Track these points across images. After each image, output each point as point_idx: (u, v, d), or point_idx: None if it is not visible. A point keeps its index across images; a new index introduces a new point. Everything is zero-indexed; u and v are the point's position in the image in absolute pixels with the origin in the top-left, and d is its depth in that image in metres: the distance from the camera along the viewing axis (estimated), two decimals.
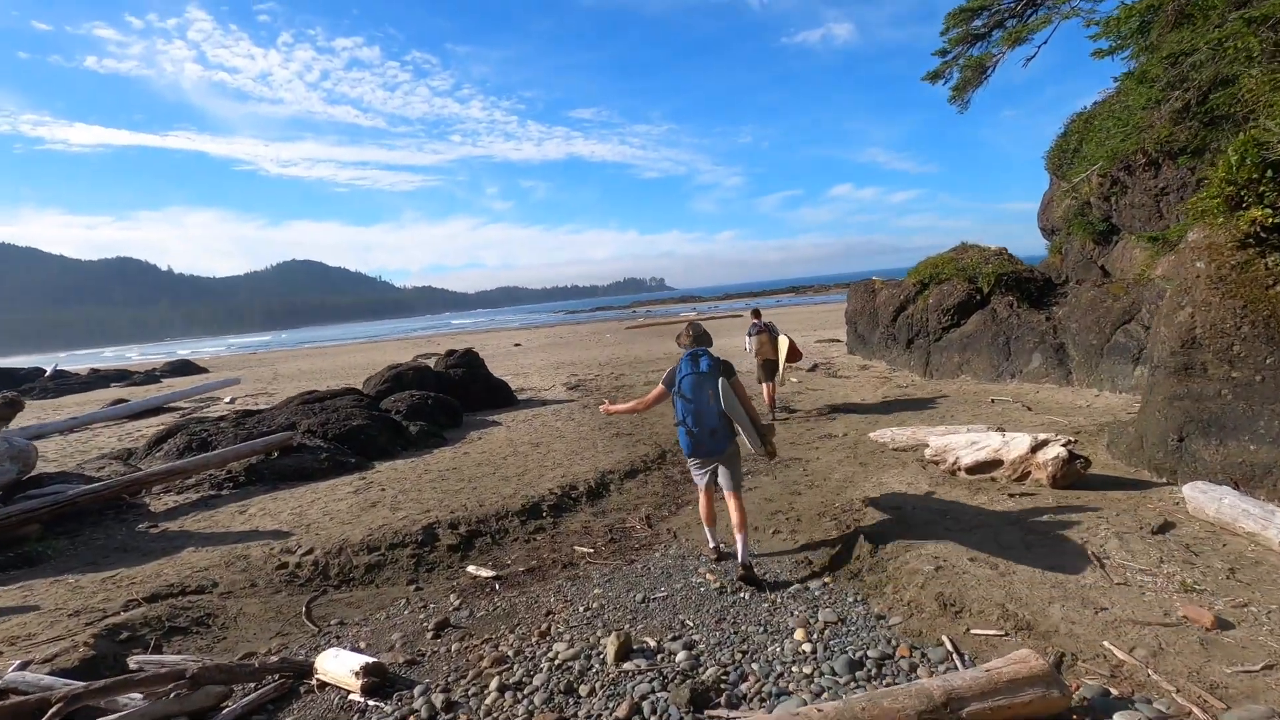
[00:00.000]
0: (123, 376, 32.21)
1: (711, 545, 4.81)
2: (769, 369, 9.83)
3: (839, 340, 19.77)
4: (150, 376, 31.42)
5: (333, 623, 4.25)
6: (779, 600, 3.99)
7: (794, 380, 13.07)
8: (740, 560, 4.30)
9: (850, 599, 3.90)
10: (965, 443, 5.82)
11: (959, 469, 5.72)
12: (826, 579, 4.23)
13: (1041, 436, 5.21)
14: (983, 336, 11.48)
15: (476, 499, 6.25)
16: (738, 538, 4.35)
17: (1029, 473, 5.25)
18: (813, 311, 38.60)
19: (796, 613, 3.77)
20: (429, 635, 3.98)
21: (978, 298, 12.10)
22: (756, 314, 10.98)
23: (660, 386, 4.62)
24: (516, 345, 32.73)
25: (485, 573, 4.89)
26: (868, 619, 3.61)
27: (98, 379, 31.52)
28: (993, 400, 9.25)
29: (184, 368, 35.13)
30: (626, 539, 5.46)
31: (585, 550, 5.25)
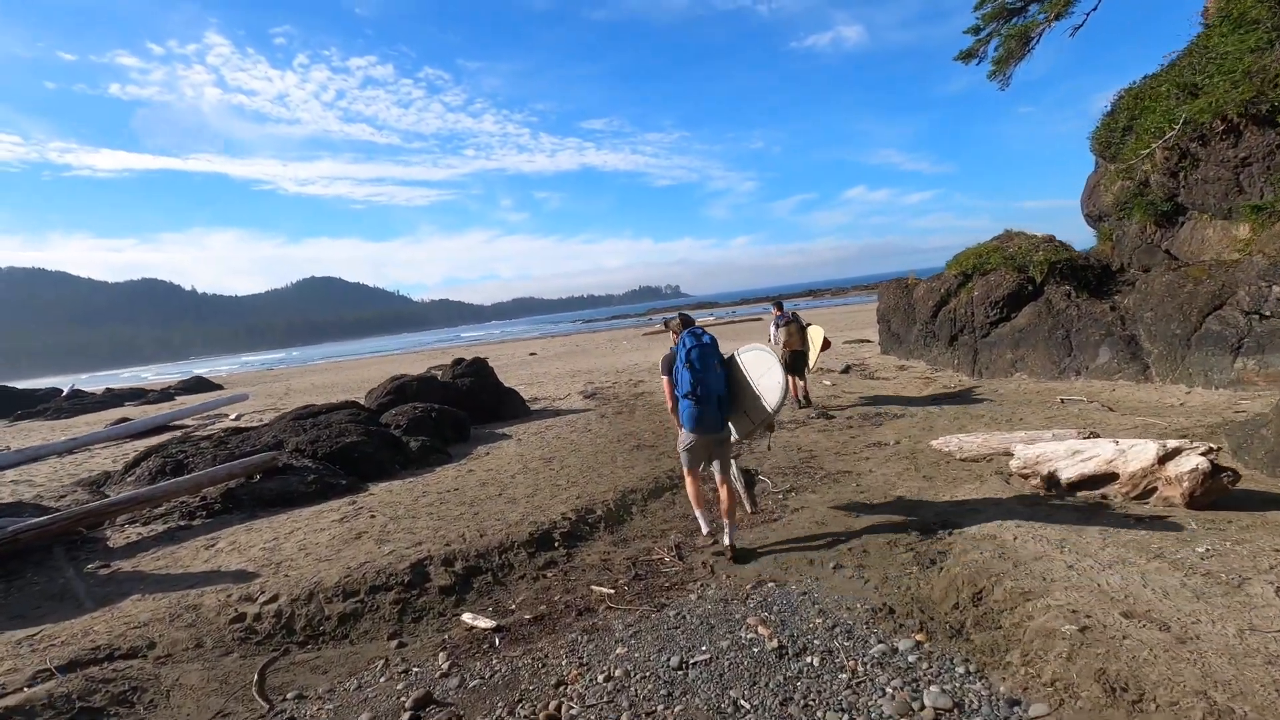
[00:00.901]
0: (137, 395, 31.99)
1: (706, 531, 4.94)
2: (796, 361, 9.47)
3: (869, 340, 18.71)
4: (164, 395, 31.15)
5: (289, 695, 3.36)
6: (860, 669, 3.03)
7: (827, 383, 12.07)
8: (728, 543, 4.55)
9: (960, 669, 2.92)
10: (1064, 452, 4.81)
11: (1059, 484, 4.72)
12: (918, 636, 3.26)
13: (1171, 444, 4.21)
14: (1038, 330, 10.40)
15: (478, 527, 5.36)
16: (726, 523, 4.62)
17: (1154, 489, 4.25)
18: (834, 313, 37.45)
19: (891, 690, 2.81)
20: (406, 716, 3.09)
21: (1029, 288, 11.03)
22: (779, 305, 10.62)
23: (665, 377, 4.78)
24: (531, 354, 31.99)
25: (483, 623, 3.98)
26: (996, 705, 2.62)
27: (112, 398, 31.30)
28: (1063, 400, 8.19)
29: (198, 385, 34.86)
30: (654, 575, 4.53)
31: (604, 590, 4.33)
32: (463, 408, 11.08)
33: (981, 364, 11.13)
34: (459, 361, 12.30)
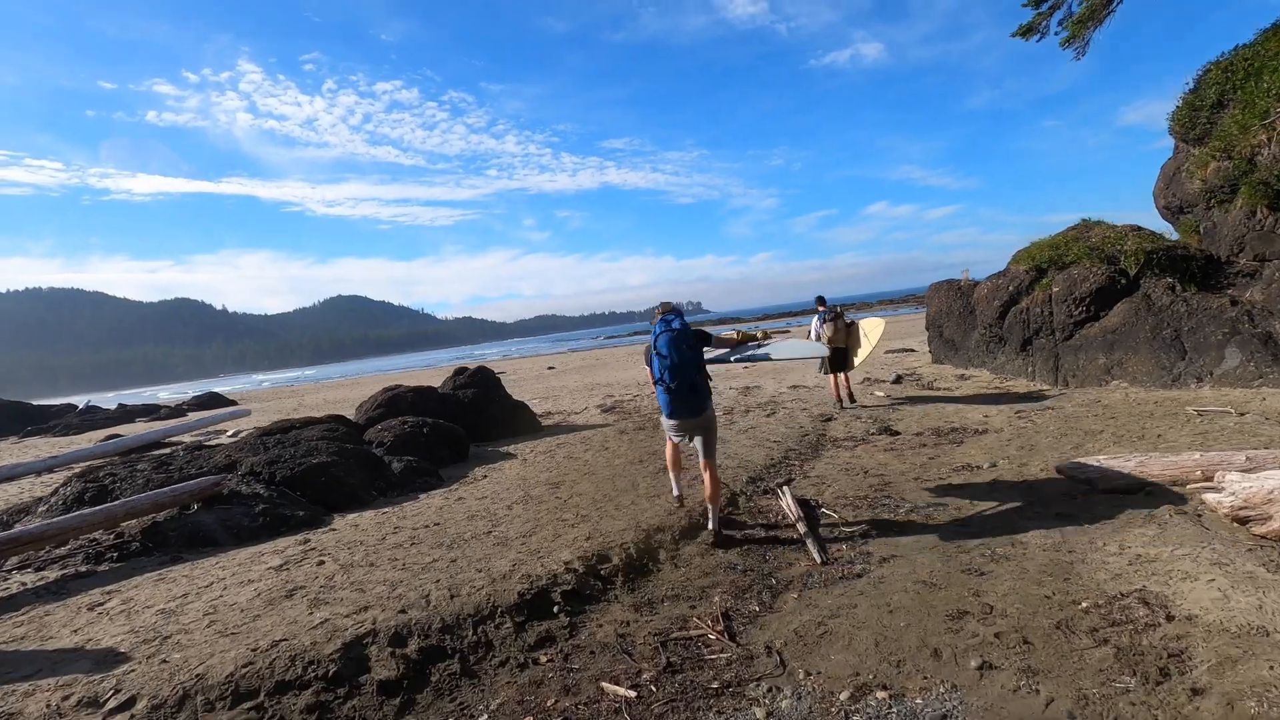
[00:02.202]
0: (149, 411, 31.44)
1: (676, 494, 5.07)
2: (838, 357, 9.38)
3: (912, 350, 17.09)
4: (176, 410, 30.53)
5: None
6: None
7: (879, 394, 10.51)
8: (711, 528, 4.55)
9: None
10: None
11: None
12: None
13: None
14: (1137, 330, 8.77)
15: (451, 582, 3.94)
16: (710, 508, 4.59)
17: None
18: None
19: None
20: None
21: (1122, 282, 9.41)
22: (822, 301, 9.96)
23: (646, 368, 4.73)
24: (550, 368, 30.75)
25: None
26: None
27: (124, 414, 30.76)
28: (1199, 413, 6.55)
29: (211, 401, 34.25)
30: (694, 665, 3.07)
31: (621, 693, 2.88)
32: (464, 422, 9.75)
33: (1066, 371, 9.50)
34: (461, 371, 11.00)
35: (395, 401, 9.52)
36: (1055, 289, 9.95)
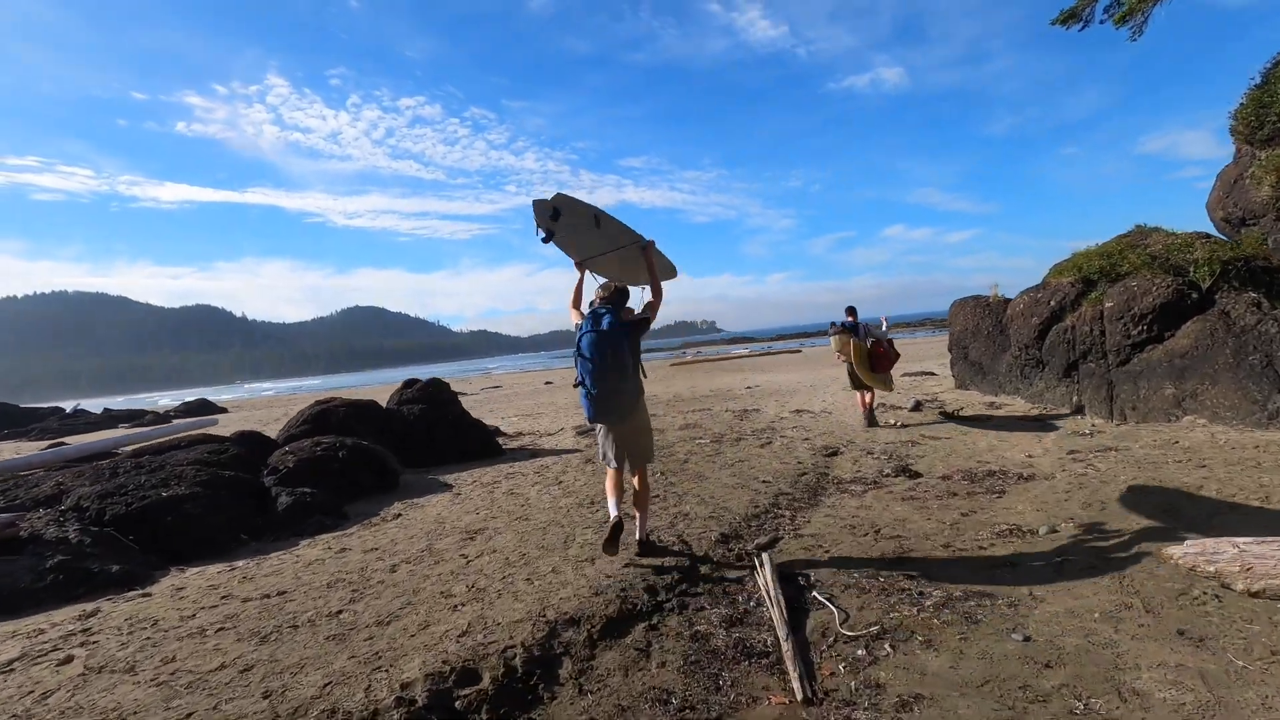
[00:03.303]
0: (134, 416, 30.53)
1: (614, 516, 4.00)
2: (855, 377, 9.00)
3: (932, 373, 15.46)
4: (161, 417, 29.60)
5: None
6: None
7: (892, 422, 8.95)
8: (639, 537, 4.19)
9: None
10: None
11: None
12: None
13: None
14: (1214, 355, 7.16)
15: (218, 715, 2.48)
16: (638, 514, 4.24)
17: None
18: None
19: None
20: None
21: (1192, 296, 7.81)
22: (851, 311, 9.38)
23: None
24: (548, 383, 29.35)
25: None
26: None
27: (108, 419, 29.86)
28: None
29: (201, 408, 33.33)
30: None
31: None
32: (408, 444, 8.34)
33: (1122, 401, 7.88)
34: (409, 384, 9.59)
35: (324, 418, 8.12)
36: (1108, 304, 8.36)
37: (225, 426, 17.70)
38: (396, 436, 8.55)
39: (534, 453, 9.11)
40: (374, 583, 4.00)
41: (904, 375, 15.51)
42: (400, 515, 5.87)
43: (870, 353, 9.07)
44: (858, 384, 9.13)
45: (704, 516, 5.05)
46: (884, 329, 9.56)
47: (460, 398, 25.73)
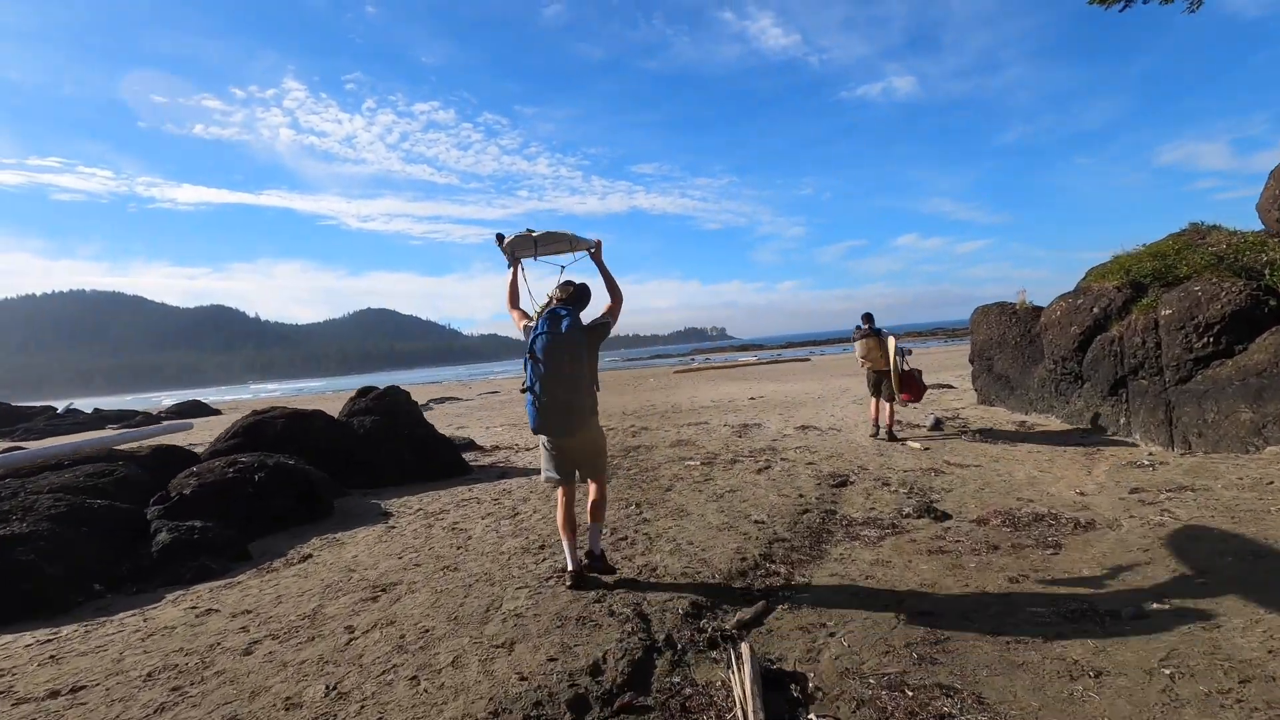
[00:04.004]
0: (125, 417, 29.88)
1: (571, 569, 3.71)
2: (878, 382, 8.46)
3: (950, 386, 14.27)
4: (150, 419, 28.94)
5: None
6: None
7: (915, 445, 7.81)
8: (589, 549, 3.82)
9: None
10: None
11: None
12: None
13: None
14: None
15: None
16: (590, 524, 3.80)
17: None
18: None
19: None
20: None
21: (1270, 304, 6.64)
22: (867, 318, 8.80)
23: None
24: None
25: None
26: None
27: (96, 419, 29.24)
28: None
29: (194, 410, 32.62)
30: None
31: None
32: (357, 460, 7.32)
33: (1185, 426, 6.70)
34: (364, 393, 8.55)
35: (258, 431, 7.09)
36: (1165, 311, 7.19)
37: (201, 431, 16.76)
38: (345, 453, 7.52)
39: (504, 471, 8.06)
40: (211, 674, 2.93)
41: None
42: (310, 557, 4.81)
43: (900, 374, 8.44)
44: (877, 392, 8.53)
45: (676, 573, 3.95)
46: (909, 355, 8.80)
47: (456, 402, 24.69)
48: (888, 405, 8.47)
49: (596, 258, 4.07)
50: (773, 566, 4.09)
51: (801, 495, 5.76)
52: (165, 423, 18.55)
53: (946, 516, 5.00)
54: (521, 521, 5.43)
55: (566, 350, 3.52)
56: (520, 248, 4.10)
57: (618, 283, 3.99)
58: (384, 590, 3.94)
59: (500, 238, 4.04)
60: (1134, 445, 7.10)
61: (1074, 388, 8.65)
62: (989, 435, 8.20)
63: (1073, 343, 8.47)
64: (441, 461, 8.03)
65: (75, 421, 28.14)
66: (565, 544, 3.76)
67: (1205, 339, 6.78)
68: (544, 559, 4.34)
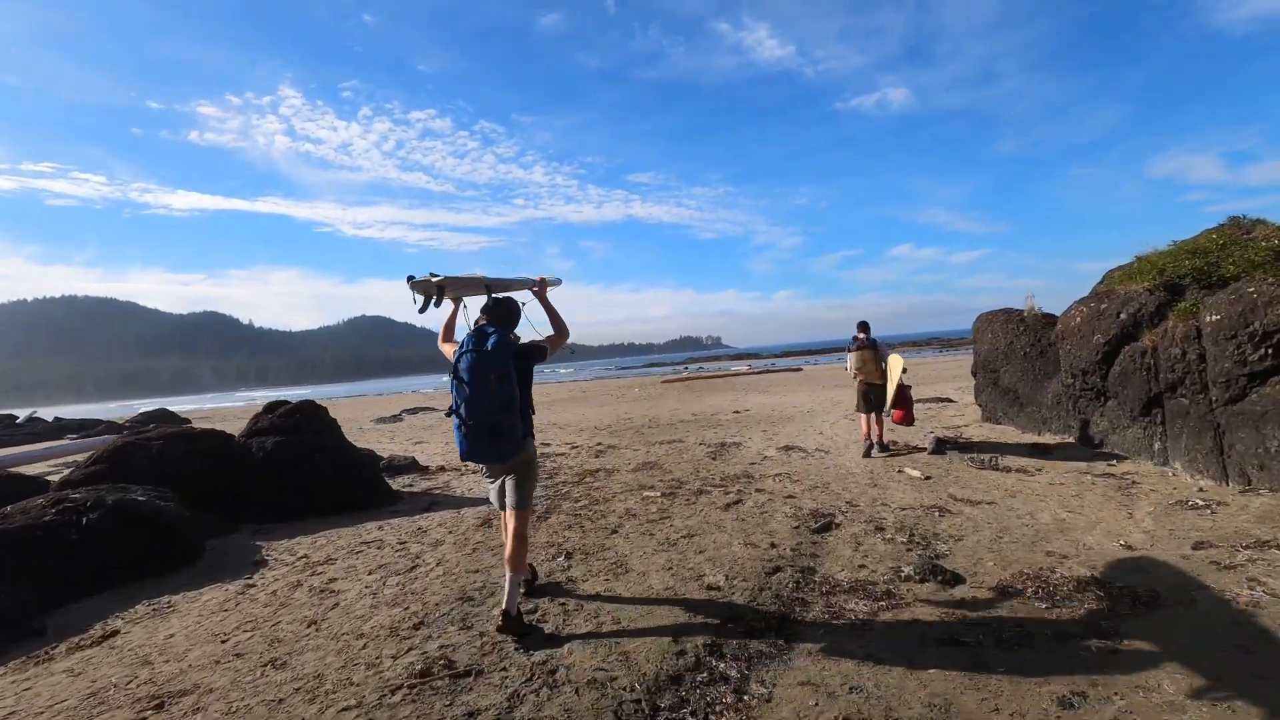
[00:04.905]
0: (87, 426, 28.55)
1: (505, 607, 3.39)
2: (871, 397, 7.88)
3: (948, 400, 13.13)
4: (112, 427, 27.58)
5: None
6: None
7: (914, 473, 6.66)
8: (504, 607, 3.26)
9: None
10: None
11: None
12: None
13: None
14: None
15: None
16: (506, 575, 3.36)
17: None
18: None
19: None
20: None
21: None
22: (863, 327, 8.17)
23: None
24: None
25: None
26: None
27: (55, 429, 27.93)
28: None
29: (163, 418, 31.27)
30: None
31: None
32: (255, 490, 6.13)
33: (1240, 456, 5.56)
34: (273, 407, 7.34)
35: (126, 456, 5.88)
36: (1210, 317, 6.05)
37: None
38: (240, 481, 6.33)
39: (433, 501, 6.87)
40: None
41: (916, 401, 13.19)
42: (111, 636, 3.61)
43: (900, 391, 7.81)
44: (869, 407, 7.91)
45: (582, 679, 2.78)
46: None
47: (429, 413, 23.32)
48: (879, 418, 7.96)
49: (540, 296, 3.90)
50: (720, 667, 2.91)
51: (774, 544, 4.58)
52: (103, 438, 16.86)
53: (958, 580, 3.84)
54: (414, 580, 4.24)
55: (492, 369, 3.28)
56: (457, 287, 3.91)
57: (564, 321, 3.85)
58: (159, 707, 2.75)
59: (411, 279, 3.74)
60: (1172, 474, 5.95)
61: (1095, 405, 7.52)
62: (998, 460, 7.05)
63: (1095, 354, 7.33)
64: (361, 489, 6.84)
65: (31, 432, 26.82)
66: (507, 576, 3.44)
67: (1263, 350, 5.64)
68: (409, 647, 3.16)
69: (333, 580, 4.35)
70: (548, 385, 40.51)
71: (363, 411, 26.14)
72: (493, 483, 3.67)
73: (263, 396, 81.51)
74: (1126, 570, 3.82)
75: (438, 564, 4.57)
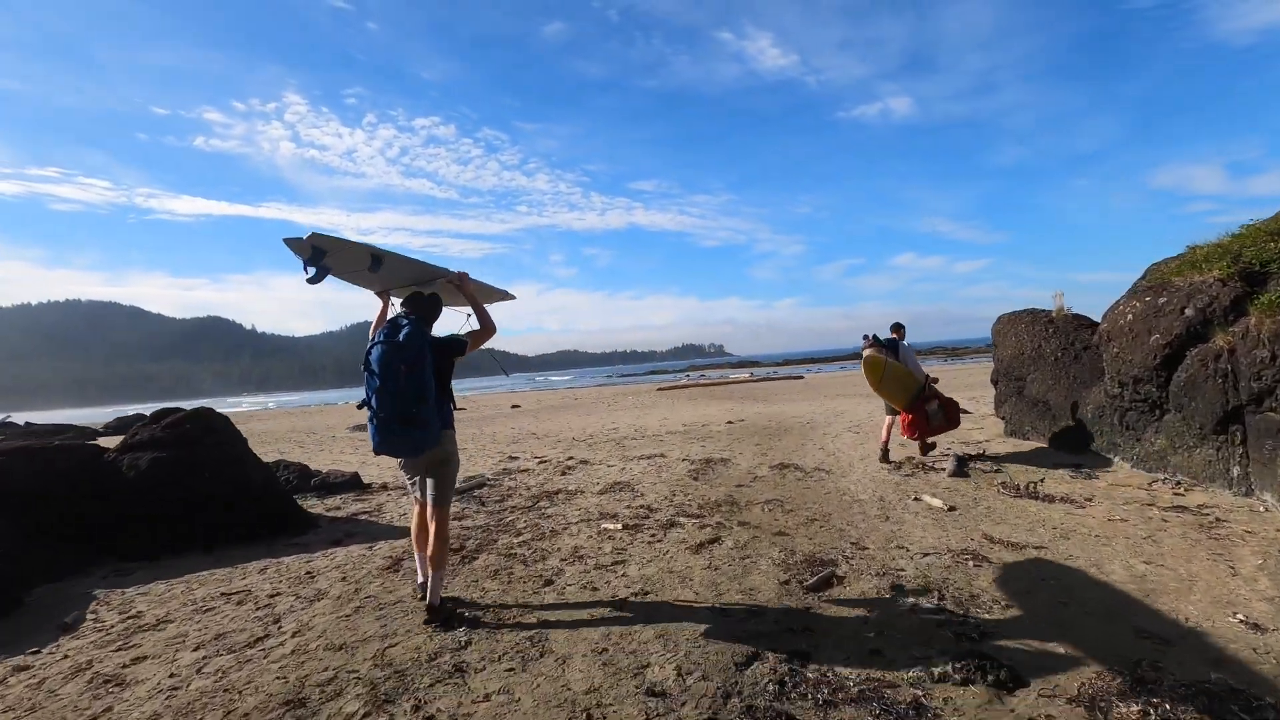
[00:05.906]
0: (59, 431, 27.45)
1: (419, 581, 3.69)
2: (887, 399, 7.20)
3: (964, 410, 11.85)
4: (83, 433, 26.54)
5: None
6: None
7: (935, 502, 5.42)
8: (428, 600, 3.40)
9: None
10: None
11: None
12: None
13: None
14: None
15: None
16: (431, 573, 3.40)
17: None
18: None
19: None
20: None
21: None
22: (897, 329, 7.58)
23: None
24: (515, 406, 25.90)
25: None
26: None
27: (22, 434, 26.88)
28: None
29: (153, 419, 30.19)
30: None
31: None
32: (127, 515, 4.95)
33: None
34: (159, 417, 6.15)
35: None
36: None
37: None
38: (105, 507, 5.13)
39: (349, 531, 5.66)
40: None
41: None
42: None
43: (920, 394, 7.07)
44: (889, 410, 7.48)
45: None
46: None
47: None
48: (891, 419, 7.50)
49: (464, 289, 3.73)
50: None
51: (754, 611, 3.35)
52: None
53: (1018, 681, 2.60)
54: (247, 662, 3.03)
55: (404, 360, 3.19)
56: (359, 274, 3.67)
57: (490, 318, 3.75)
58: None
59: (302, 247, 3.25)
60: (1264, 509, 4.71)
61: (1151, 420, 6.28)
62: (1037, 486, 5.81)
63: (1153, 358, 6.09)
64: (260, 515, 5.63)
65: None
66: (417, 557, 3.72)
67: None
68: None
69: (137, 661, 3.13)
70: (541, 393, 39.29)
71: (351, 418, 24.99)
72: (411, 479, 3.62)
73: (264, 401, 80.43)
74: (1255, 657, 2.58)
75: (295, 634, 3.35)
